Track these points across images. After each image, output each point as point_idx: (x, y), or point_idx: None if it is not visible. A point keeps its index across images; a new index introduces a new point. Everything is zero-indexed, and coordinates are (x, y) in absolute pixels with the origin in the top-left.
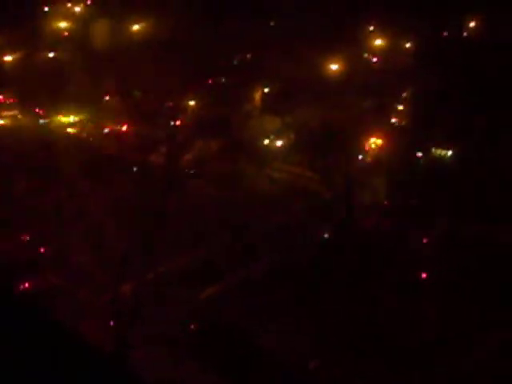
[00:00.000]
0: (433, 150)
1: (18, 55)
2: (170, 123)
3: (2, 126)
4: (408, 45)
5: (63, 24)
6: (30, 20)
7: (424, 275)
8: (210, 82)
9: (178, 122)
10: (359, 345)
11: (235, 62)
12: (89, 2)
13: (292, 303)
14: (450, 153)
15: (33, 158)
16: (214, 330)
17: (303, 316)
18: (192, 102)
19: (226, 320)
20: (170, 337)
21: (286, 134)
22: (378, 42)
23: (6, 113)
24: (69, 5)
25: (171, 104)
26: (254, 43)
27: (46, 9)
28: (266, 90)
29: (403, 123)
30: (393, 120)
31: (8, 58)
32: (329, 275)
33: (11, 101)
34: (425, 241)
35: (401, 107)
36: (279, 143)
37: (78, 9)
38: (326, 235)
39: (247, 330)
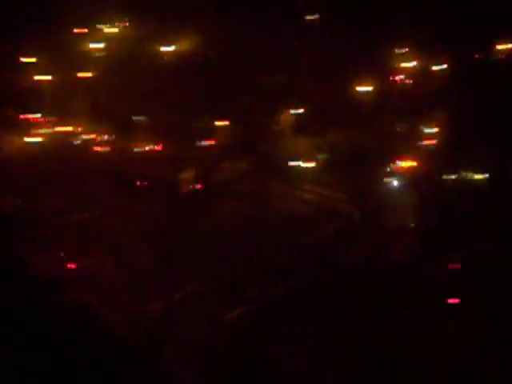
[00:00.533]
0: (464, 173)
1: (53, 75)
2: (199, 143)
3: (35, 144)
4: (440, 67)
5: (98, 45)
6: (66, 41)
7: (453, 300)
8: (239, 102)
9: (207, 143)
10: (383, 370)
11: (265, 83)
12: (122, 25)
13: (318, 325)
14: (481, 176)
15: (64, 175)
16: (238, 351)
17: (328, 338)
18: (222, 123)
19: (250, 341)
20: (196, 358)
21: (316, 156)
22: (410, 64)
23: (40, 131)
24: (104, 26)
25: (201, 124)
26: (284, 64)
27: (78, 30)
28: (297, 111)
29: (434, 146)
30: (423, 142)
31: (44, 78)
32: (355, 298)
33: (46, 120)
34: (453, 265)
35: (432, 130)
36: (309, 164)
37: (113, 30)
38: (354, 257)
39: (271, 352)
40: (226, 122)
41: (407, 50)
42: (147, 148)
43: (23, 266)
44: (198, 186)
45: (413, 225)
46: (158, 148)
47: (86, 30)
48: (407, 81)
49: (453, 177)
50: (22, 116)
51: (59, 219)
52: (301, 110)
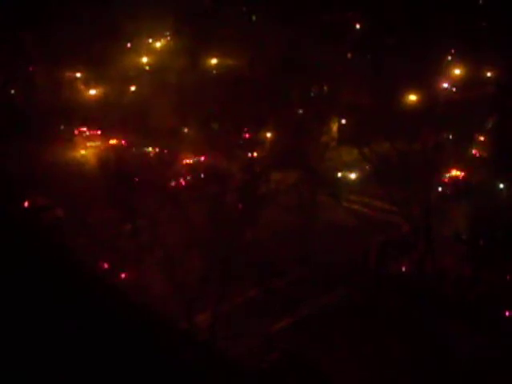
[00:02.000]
0: None
1: (102, 89)
2: (246, 155)
3: (85, 156)
4: (488, 74)
5: (144, 59)
6: (114, 55)
7: (507, 313)
8: (287, 113)
9: (255, 154)
10: None
11: (312, 94)
12: (168, 38)
13: (364, 337)
14: None
15: (112, 187)
16: (286, 363)
17: (373, 351)
18: (269, 134)
19: (297, 353)
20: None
21: (364, 166)
22: (457, 71)
23: (90, 143)
24: (150, 40)
25: (248, 136)
26: (330, 75)
27: (129, 45)
28: (344, 122)
29: (484, 154)
30: (473, 151)
31: (93, 92)
32: (403, 310)
33: (95, 132)
34: (508, 277)
35: (482, 138)
36: (356, 175)
37: (158, 44)
38: (403, 268)
39: (318, 363)
40: (273, 134)
41: (454, 57)
42: (194, 160)
43: (80, 274)
44: (245, 197)
45: (464, 236)
46: (203, 160)
47: (129, 45)
48: (455, 89)
49: (504, 185)
50: (74, 129)
51: (110, 230)
52: (347, 120)
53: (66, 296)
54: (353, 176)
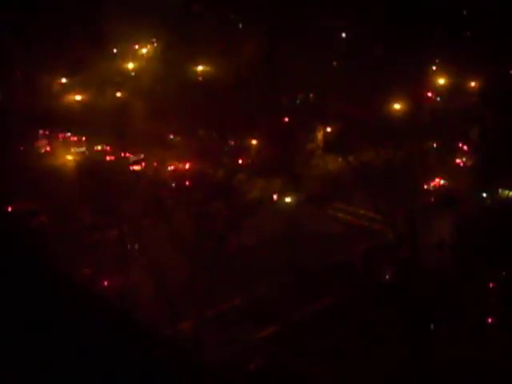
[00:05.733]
0: (499, 190)
1: (86, 95)
2: (232, 162)
3: (70, 162)
4: (473, 84)
5: (130, 65)
6: (98, 61)
7: (490, 319)
8: (272, 121)
9: (240, 161)
10: None
11: (298, 101)
12: (155, 44)
13: (351, 344)
14: None
15: (98, 193)
16: (270, 371)
17: (362, 358)
18: (254, 141)
19: (281, 361)
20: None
21: (349, 174)
22: (441, 81)
23: (74, 149)
24: (136, 46)
25: (233, 143)
26: (315, 83)
27: (115, 50)
28: (329, 129)
29: (468, 163)
30: (457, 160)
31: (77, 98)
32: (390, 317)
33: (79, 138)
34: (491, 284)
35: (465, 147)
36: (342, 183)
37: (144, 50)
38: (387, 276)
39: (302, 372)
40: (258, 141)
41: (438, 66)
42: (178, 166)
43: (58, 281)
44: (229, 204)
45: (448, 243)
46: (188, 167)
47: (115, 51)
48: (439, 98)
49: (487, 194)
50: (56, 135)
51: (91, 236)
52: (332, 128)
53: (46, 302)
54: (337, 183)
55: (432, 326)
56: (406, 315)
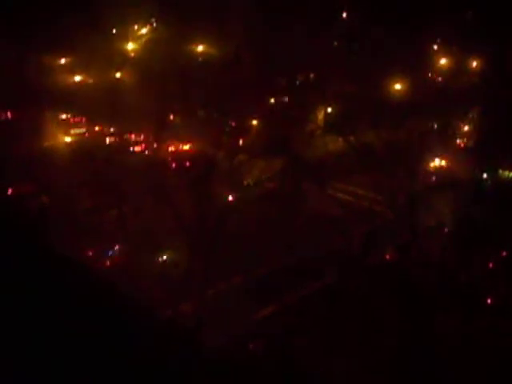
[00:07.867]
0: (500, 171)
1: (85, 76)
2: (232, 142)
3: (69, 143)
4: (474, 64)
5: (129, 45)
6: (98, 42)
7: (489, 300)
8: (272, 101)
9: (240, 142)
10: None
11: (298, 82)
12: (154, 25)
13: (349, 325)
14: None
15: (97, 174)
16: (268, 351)
17: (359, 339)
18: (255, 122)
19: (279, 341)
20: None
21: (349, 155)
22: (443, 61)
23: (73, 131)
24: (135, 27)
25: (234, 123)
26: (316, 63)
27: (114, 31)
28: (329, 110)
29: (469, 144)
30: (458, 141)
31: (76, 79)
32: (389, 298)
33: (79, 119)
34: (490, 265)
35: (466, 128)
36: (342, 163)
37: (143, 30)
38: (387, 257)
39: (300, 353)
40: (259, 121)
41: (440, 47)
42: (179, 147)
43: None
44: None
45: (448, 224)
46: (188, 147)
47: (114, 31)
48: (440, 78)
49: (487, 175)
50: (58, 116)
51: (95, 217)
52: (333, 109)
53: (49, 284)
54: (338, 164)
55: (430, 307)
56: (404, 297)
